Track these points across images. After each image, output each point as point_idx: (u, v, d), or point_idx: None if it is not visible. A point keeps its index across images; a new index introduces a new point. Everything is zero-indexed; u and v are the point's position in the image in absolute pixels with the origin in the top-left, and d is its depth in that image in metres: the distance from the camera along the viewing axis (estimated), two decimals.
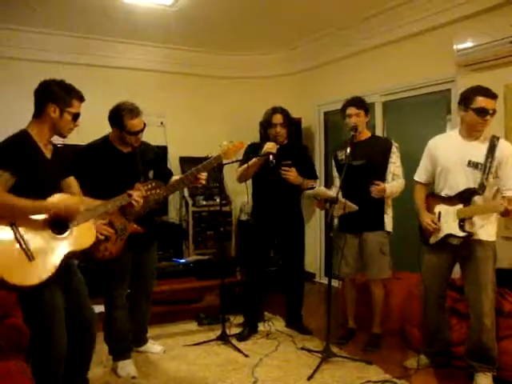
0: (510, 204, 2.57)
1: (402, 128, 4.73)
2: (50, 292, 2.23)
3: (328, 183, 5.49)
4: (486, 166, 2.73)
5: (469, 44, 3.64)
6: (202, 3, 4.25)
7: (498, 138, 2.79)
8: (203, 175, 3.15)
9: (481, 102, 2.72)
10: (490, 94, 2.75)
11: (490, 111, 2.72)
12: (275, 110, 3.74)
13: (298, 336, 3.81)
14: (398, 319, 3.69)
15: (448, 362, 3.14)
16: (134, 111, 2.96)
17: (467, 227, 2.77)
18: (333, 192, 3.45)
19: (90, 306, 2.53)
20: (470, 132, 2.84)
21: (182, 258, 4.89)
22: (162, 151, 5.04)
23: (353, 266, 3.60)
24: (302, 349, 3.52)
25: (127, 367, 3.12)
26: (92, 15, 4.46)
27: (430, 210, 2.99)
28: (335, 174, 3.75)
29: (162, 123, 5.54)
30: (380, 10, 4.39)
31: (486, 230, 2.80)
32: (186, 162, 5.43)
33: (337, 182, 3.70)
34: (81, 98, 2.35)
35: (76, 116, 2.33)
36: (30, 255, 2.11)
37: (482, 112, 2.72)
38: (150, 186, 2.79)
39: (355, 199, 3.40)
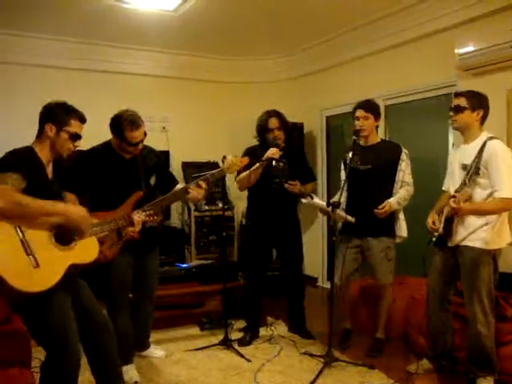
0: (456, 202, 2.61)
1: (404, 132, 4.73)
2: (58, 299, 2.19)
3: (330, 187, 5.51)
4: (472, 167, 2.71)
5: (470, 48, 3.64)
6: (204, 8, 4.27)
7: (491, 138, 2.77)
8: (202, 188, 3.02)
9: None
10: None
11: (453, 108, 2.87)
12: (270, 114, 3.71)
13: (301, 341, 3.79)
14: (401, 324, 3.68)
15: (451, 366, 3.12)
16: (135, 123, 2.91)
17: (453, 227, 2.82)
18: (337, 196, 3.47)
19: (100, 311, 2.50)
20: (462, 134, 2.95)
21: (184, 263, 4.88)
22: (165, 156, 5.05)
23: (350, 268, 3.57)
24: (305, 353, 3.51)
25: (129, 372, 3.10)
26: (94, 21, 4.49)
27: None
28: (343, 177, 3.70)
29: (164, 128, 5.56)
30: (382, 14, 4.41)
31: (481, 236, 2.76)
32: (189, 167, 5.45)
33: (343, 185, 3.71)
34: (80, 119, 2.35)
35: (74, 136, 2.32)
36: (35, 262, 2.09)
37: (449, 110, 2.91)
38: (151, 211, 2.78)
39: (360, 204, 3.39)
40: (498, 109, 3.65)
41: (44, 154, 2.30)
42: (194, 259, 5.27)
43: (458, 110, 2.82)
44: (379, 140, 3.60)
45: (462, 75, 3.89)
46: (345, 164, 3.68)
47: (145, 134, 3.01)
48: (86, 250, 2.32)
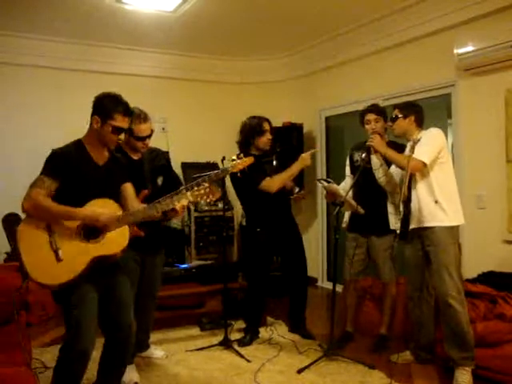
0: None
1: None
2: (79, 286, 2.31)
3: None
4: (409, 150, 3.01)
5: (469, 48, 3.66)
6: (203, 9, 4.28)
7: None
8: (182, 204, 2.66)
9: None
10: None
11: (390, 119, 3.24)
12: (262, 118, 3.79)
13: (301, 341, 3.79)
14: (401, 324, 3.69)
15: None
16: (142, 116, 3.00)
17: (411, 206, 3.05)
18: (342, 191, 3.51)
19: (128, 313, 2.54)
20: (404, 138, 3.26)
21: (184, 264, 4.88)
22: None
23: (358, 267, 3.64)
24: (305, 353, 3.50)
25: (130, 373, 3.08)
26: (93, 21, 4.50)
27: None
28: (348, 173, 3.78)
29: (163, 129, 5.56)
30: (380, 14, 4.42)
31: (441, 216, 2.95)
32: (188, 168, 5.45)
33: (348, 180, 3.73)
34: (125, 113, 2.42)
35: (117, 129, 2.41)
36: (58, 257, 2.27)
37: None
38: (201, 191, 2.54)
39: (367, 201, 3.44)
40: (497, 108, 3.66)
41: (92, 144, 2.44)
42: (194, 260, 5.27)
43: (394, 119, 3.19)
44: (387, 140, 3.59)
45: (461, 75, 3.90)
46: (351, 160, 3.74)
47: (152, 130, 3.04)
48: (114, 241, 2.38)
